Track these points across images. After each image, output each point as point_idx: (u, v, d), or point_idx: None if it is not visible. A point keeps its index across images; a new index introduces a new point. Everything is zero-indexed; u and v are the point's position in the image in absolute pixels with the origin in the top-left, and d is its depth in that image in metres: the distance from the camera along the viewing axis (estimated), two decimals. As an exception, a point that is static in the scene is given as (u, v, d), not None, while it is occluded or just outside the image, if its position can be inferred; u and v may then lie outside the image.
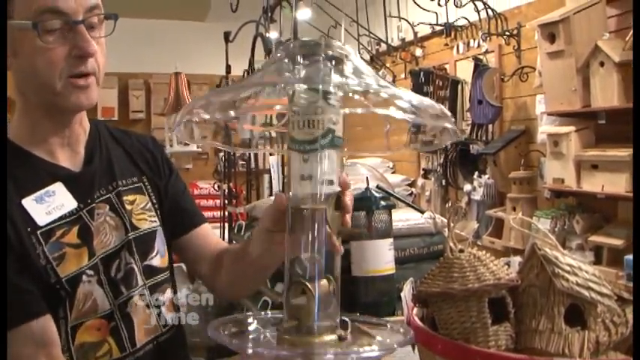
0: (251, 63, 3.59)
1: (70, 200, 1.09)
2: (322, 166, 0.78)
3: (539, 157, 3.26)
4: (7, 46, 1.03)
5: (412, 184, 4.59)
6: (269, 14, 3.26)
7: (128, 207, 1.17)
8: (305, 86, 0.79)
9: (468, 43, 3.89)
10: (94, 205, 1.12)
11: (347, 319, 0.81)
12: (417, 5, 3.71)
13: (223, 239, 3.79)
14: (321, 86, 0.77)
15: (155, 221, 1.21)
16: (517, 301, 0.89)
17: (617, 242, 2.57)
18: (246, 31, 3.48)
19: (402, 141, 0.91)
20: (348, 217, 0.83)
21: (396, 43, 4.44)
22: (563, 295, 0.84)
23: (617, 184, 2.55)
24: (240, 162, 4.32)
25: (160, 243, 1.20)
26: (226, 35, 3.64)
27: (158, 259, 1.19)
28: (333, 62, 0.79)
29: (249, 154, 4.04)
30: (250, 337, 0.86)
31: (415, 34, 4.27)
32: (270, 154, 4.30)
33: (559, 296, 0.84)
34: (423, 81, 3.83)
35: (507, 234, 3.33)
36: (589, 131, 2.83)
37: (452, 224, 0.99)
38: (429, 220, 1.83)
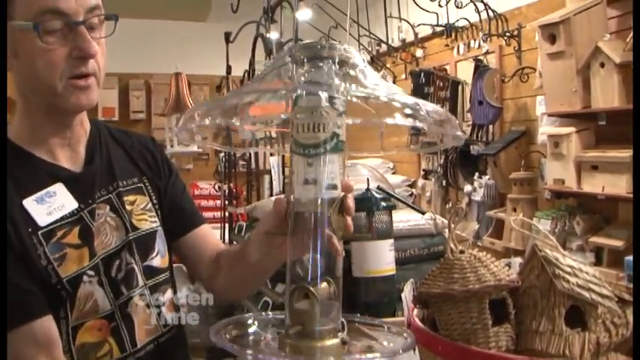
0: (251, 63, 3.60)
1: (70, 201, 1.09)
2: (326, 171, 0.78)
3: (539, 158, 3.26)
4: (8, 46, 1.03)
5: (412, 185, 4.59)
6: (270, 15, 3.26)
7: (128, 207, 1.17)
8: (310, 89, 0.78)
9: (469, 43, 3.89)
10: (94, 205, 1.12)
11: (344, 321, 0.80)
12: (418, 6, 3.71)
13: (224, 240, 3.80)
14: (325, 92, 0.77)
15: (155, 222, 1.21)
16: (518, 302, 0.89)
17: (618, 243, 2.57)
18: (247, 32, 3.48)
19: (403, 142, 0.91)
20: (349, 220, 0.83)
21: (396, 43, 4.44)
22: (563, 296, 0.84)
23: (618, 185, 2.55)
24: (241, 162, 4.32)
25: (160, 243, 1.20)
26: (227, 36, 3.64)
27: (158, 259, 1.19)
28: (338, 65, 0.78)
29: (250, 154, 4.04)
30: (251, 339, 0.86)
31: (416, 34, 4.27)
32: (271, 155, 4.30)
33: (559, 297, 0.84)
34: (424, 82, 3.83)
35: (508, 235, 3.33)
36: (589, 132, 2.83)
37: (452, 225, 0.99)
38: (430, 221, 1.83)
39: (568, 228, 2.91)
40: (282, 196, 0.87)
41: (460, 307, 0.87)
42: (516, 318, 0.88)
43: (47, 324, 1.00)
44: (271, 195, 4.26)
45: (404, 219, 1.80)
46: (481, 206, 3.67)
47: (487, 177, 3.61)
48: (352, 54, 0.81)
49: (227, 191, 3.95)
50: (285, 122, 0.83)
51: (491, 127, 3.63)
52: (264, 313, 0.97)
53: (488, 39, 3.58)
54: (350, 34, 4.14)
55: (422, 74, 3.87)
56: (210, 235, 1.31)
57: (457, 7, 3.56)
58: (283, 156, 3.64)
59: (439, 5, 3.64)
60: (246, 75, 3.76)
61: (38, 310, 1.00)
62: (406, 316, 1.05)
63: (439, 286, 0.90)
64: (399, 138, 0.81)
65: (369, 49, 4.58)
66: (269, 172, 4.42)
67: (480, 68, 3.56)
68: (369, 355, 0.79)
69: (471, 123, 3.71)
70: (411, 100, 0.76)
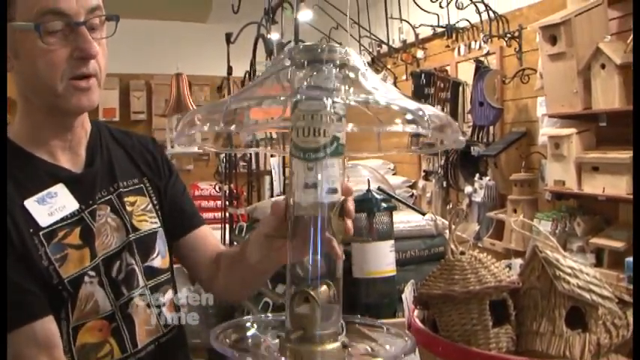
0: (252, 64, 3.60)
1: (71, 201, 1.09)
2: (327, 175, 0.77)
3: (540, 159, 3.26)
4: (9, 47, 1.03)
5: (413, 186, 4.59)
6: (270, 16, 3.27)
7: (129, 208, 1.17)
8: (311, 94, 0.78)
9: (470, 44, 3.89)
10: (95, 206, 1.12)
11: (343, 323, 0.80)
12: (419, 7, 3.72)
13: (224, 240, 3.80)
14: (327, 97, 0.76)
15: (156, 222, 1.21)
16: (518, 303, 0.89)
17: (618, 244, 2.57)
18: (248, 33, 3.49)
19: (403, 143, 0.91)
20: (350, 223, 0.83)
21: (397, 44, 4.44)
22: (564, 297, 0.84)
23: (618, 186, 2.55)
24: (241, 163, 4.32)
25: (160, 244, 1.20)
26: (228, 36, 3.65)
27: (159, 260, 1.19)
28: (338, 68, 0.78)
29: (250, 155, 4.05)
30: (251, 343, 0.86)
31: (416, 35, 4.27)
32: (271, 156, 4.30)
33: (560, 299, 0.84)
34: (424, 83, 3.83)
35: (508, 236, 3.33)
36: (590, 133, 2.83)
37: (453, 226, 0.99)
38: (430, 222, 1.83)
39: (568, 229, 2.91)
40: (281, 198, 0.86)
41: (460, 308, 0.87)
42: (517, 319, 0.88)
43: (48, 325, 1.00)
44: (272, 196, 4.26)
45: (404, 220, 1.80)
46: (481, 207, 3.67)
47: (487, 178, 3.61)
48: (352, 56, 0.80)
49: (227, 192, 3.95)
50: (285, 120, 0.83)
51: (491, 128, 3.63)
52: (262, 316, 0.96)
53: (489, 40, 3.59)
54: (351, 34, 4.14)
55: (422, 75, 3.87)
56: (210, 236, 1.31)
57: (458, 8, 3.56)
58: (284, 157, 3.64)
59: (440, 6, 3.64)
60: (247, 76, 3.76)
61: (39, 311, 1.00)
62: (407, 317, 1.05)
63: (440, 287, 0.90)
64: (400, 139, 0.80)
65: (370, 49, 4.58)
66: (269, 172, 4.43)
67: (480, 69, 3.56)
68: None
69: (471, 124, 3.71)
70: (413, 104, 0.76)
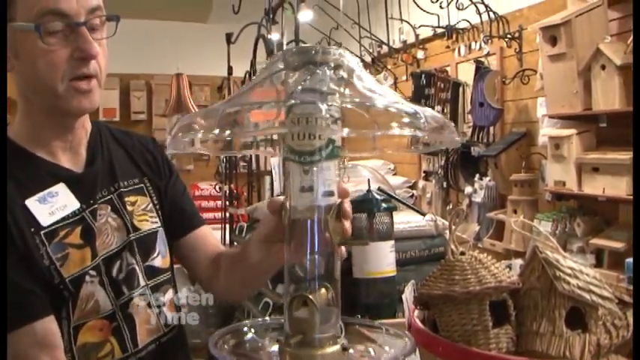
0: (253, 64, 3.60)
1: (72, 201, 1.09)
2: (323, 178, 0.77)
3: (540, 160, 3.27)
4: (9, 48, 1.03)
5: (413, 186, 4.59)
6: (271, 16, 3.27)
7: (129, 208, 1.17)
8: (306, 97, 0.77)
9: (470, 45, 3.89)
10: (96, 206, 1.12)
11: (342, 325, 0.80)
12: (419, 7, 3.72)
13: (224, 240, 3.80)
14: (322, 101, 0.76)
15: (156, 222, 1.21)
16: (518, 303, 0.89)
17: (618, 245, 2.57)
18: (248, 33, 3.49)
19: (403, 143, 0.90)
20: (347, 224, 0.83)
21: (397, 45, 4.44)
22: (564, 297, 0.84)
23: (618, 187, 2.56)
24: (242, 163, 4.32)
25: (161, 244, 1.20)
26: (228, 37, 3.65)
27: (159, 259, 1.19)
28: (333, 71, 0.77)
29: (251, 155, 4.05)
30: (250, 347, 0.86)
31: (417, 36, 4.27)
32: (272, 156, 4.30)
33: (560, 299, 0.84)
34: (425, 83, 3.83)
35: (508, 236, 3.33)
36: (590, 134, 2.83)
37: (453, 226, 0.99)
38: (430, 223, 1.83)
39: (569, 230, 2.92)
40: (280, 198, 0.86)
41: (461, 309, 0.87)
42: (517, 319, 0.88)
43: (49, 325, 1.00)
44: (272, 196, 4.26)
45: (404, 220, 1.80)
46: (482, 208, 3.67)
47: (488, 178, 3.61)
48: (347, 58, 0.79)
49: (228, 192, 3.96)
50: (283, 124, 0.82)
51: (492, 128, 3.63)
52: (260, 320, 0.96)
53: (489, 41, 3.59)
54: (351, 35, 4.14)
55: (423, 76, 3.88)
56: (210, 237, 1.31)
57: (458, 8, 3.56)
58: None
59: (440, 7, 3.64)
60: (247, 76, 3.76)
61: (40, 311, 1.00)
62: (407, 318, 1.05)
63: (440, 287, 0.90)
64: (400, 139, 0.80)
65: (370, 50, 4.58)
66: (270, 172, 4.42)
67: (480, 70, 3.56)
68: None
69: (471, 124, 3.71)
70: (409, 107, 0.75)
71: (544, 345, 0.83)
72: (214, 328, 0.88)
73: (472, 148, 3.61)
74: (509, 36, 3.47)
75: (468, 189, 3.77)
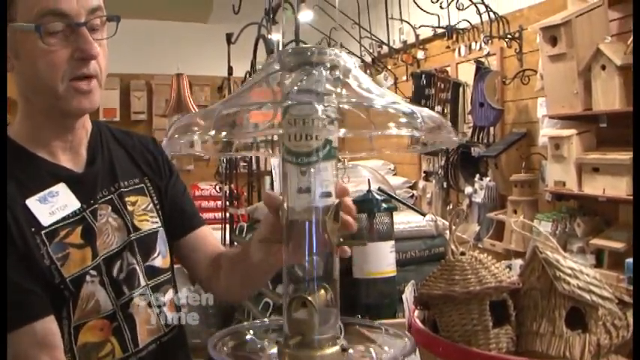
0: (253, 65, 3.60)
1: (73, 201, 1.09)
2: (320, 178, 0.77)
3: (540, 160, 3.27)
4: (10, 48, 1.03)
5: (413, 187, 4.59)
6: (271, 16, 3.27)
7: (130, 208, 1.17)
8: (302, 98, 0.77)
9: (470, 45, 3.89)
10: (96, 205, 1.12)
11: (341, 325, 0.80)
12: (419, 8, 3.72)
13: (224, 240, 3.80)
14: (318, 102, 0.75)
15: (157, 222, 1.21)
16: (518, 303, 0.89)
17: (618, 245, 2.57)
18: (249, 33, 3.49)
19: (403, 143, 0.90)
20: (351, 219, 0.83)
21: (397, 45, 4.44)
22: (564, 298, 0.84)
23: (618, 187, 2.56)
24: (242, 163, 4.32)
25: (161, 244, 1.20)
26: (228, 37, 3.65)
27: (160, 259, 1.19)
28: (329, 71, 0.77)
29: (251, 156, 4.05)
30: (249, 349, 0.86)
31: (417, 36, 4.27)
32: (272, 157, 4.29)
33: (560, 299, 0.84)
34: (425, 83, 3.83)
35: (508, 237, 3.33)
36: (590, 134, 2.83)
37: (453, 227, 0.99)
38: (431, 223, 1.83)
39: (569, 230, 2.91)
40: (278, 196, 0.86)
41: (461, 309, 0.87)
42: (517, 319, 0.88)
43: (49, 325, 1.00)
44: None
45: (405, 220, 1.80)
46: (482, 208, 3.67)
47: (488, 179, 3.61)
48: (343, 58, 0.79)
49: (228, 192, 3.95)
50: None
51: (492, 129, 3.63)
52: (259, 321, 0.96)
53: (490, 41, 3.59)
54: (351, 35, 4.14)
55: (423, 76, 3.88)
56: (210, 237, 1.31)
57: (458, 8, 3.56)
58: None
59: (440, 7, 3.64)
60: (247, 76, 3.76)
61: (40, 311, 1.00)
62: (407, 318, 1.05)
63: (440, 287, 0.90)
64: (399, 139, 0.80)
65: (370, 50, 4.58)
66: (270, 173, 4.42)
67: (481, 70, 3.56)
68: None
69: (471, 125, 3.71)
70: (407, 107, 0.75)
71: (544, 345, 0.83)
72: (214, 328, 0.88)
73: (472, 148, 3.61)
74: (509, 36, 3.47)
75: (468, 189, 3.77)
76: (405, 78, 4.60)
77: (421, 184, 4.49)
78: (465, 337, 0.86)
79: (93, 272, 1.07)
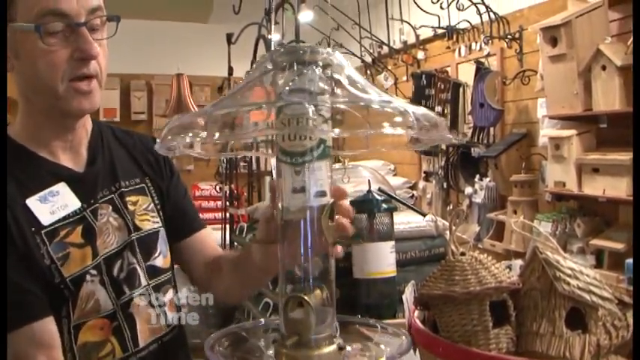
0: (253, 65, 3.59)
1: (73, 200, 1.09)
2: (315, 178, 0.77)
3: (540, 161, 3.27)
4: (10, 48, 1.03)
5: (413, 187, 4.59)
6: (271, 16, 3.27)
7: (131, 208, 1.17)
8: (293, 98, 0.76)
9: (470, 46, 3.90)
10: (97, 205, 1.12)
11: (337, 324, 0.80)
12: (419, 8, 3.72)
13: (224, 240, 3.80)
14: (311, 102, 0.75)
15: (157, 222, 1.21)
16: (518, 304, 0.89)
17: (618, 246, 2.57)
18: (249, 33, 3.49)
19: (403, 141, 0.90)
20: (346, 222, 0.83)
21: (397, 45, 4.44)
22: (564, 298, 0.84)
23: (618, 187, 2.56)
24: (242, 164, 4.32)
25: (162, 243, 1.20)
26: (228, 37, 3.65)
27: (161, 259, 1.19)
28: (322, 70, 0.77)
29: (251, 155, 4.05)
30: (246, 349, 0.86)
31: (417, 36, 4.27)
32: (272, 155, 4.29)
33: (560, 299, 0.84)
34: (425, 84, 3.83)
35: (508, 237, 3.33)
36: (590, 135, 2.84)
37: (453, 227, 0.99)
38: (431, 223, 1.83)
39: (569, 230, 2.92)
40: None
41: (461, 309, 0.87)
42: (517, 320, 0.88)
43: (48, 325, 1.01)
44: (272, 197, 4.25)
45: (405, 221, 1.80)
46: (482, 208, 3.67)
47: (488, 179, 3.61)
48: (336, 57, 0.79)
49: (228, 192, 3.96)
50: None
51: (492, 129, 3.63)
52: (256, 322, 0.96)
53: (490, 41, 3.59)
54: (351, 35, 4.14)
55: (423, 76, 3.88)
56: (209, 240, 1.32)
57: (459, 9, 3.57)
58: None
59: (441, 7, 3.64)
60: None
61: (39, 312, 1.00)
62: (407, 318, 1.05)
63: (440, 287, 0.90)
64: (394, 137, 0.80)
65: (371, 50, 4.58)
66: (270, 173, 4.42)
67: (481, 70, 3.56)
68: None
69: (472, 125, 3.71)
70: (401, 105, 0.75)
71: (544, 345, 0.83)
72: (214, 328, 0.88)
73: (472, 148, 3.61)
74: (509, 37, 3.47)
75: (468, 190, 3.77)
76: (405, 78, 4.60)
77: (421, 184, 4.49)
78: (465, 338, 0.86)
79: (93, 272, 1.07)
